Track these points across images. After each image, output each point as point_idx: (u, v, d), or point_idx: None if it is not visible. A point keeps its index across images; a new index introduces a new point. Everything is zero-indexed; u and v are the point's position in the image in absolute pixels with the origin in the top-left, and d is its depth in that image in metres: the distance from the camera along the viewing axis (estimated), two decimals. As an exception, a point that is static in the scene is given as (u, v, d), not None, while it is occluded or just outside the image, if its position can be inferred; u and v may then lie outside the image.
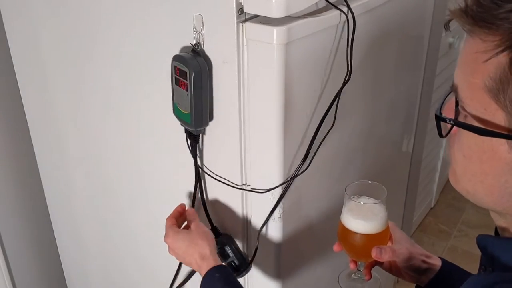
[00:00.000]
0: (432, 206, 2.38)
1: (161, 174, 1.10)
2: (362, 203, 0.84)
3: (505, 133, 0.50)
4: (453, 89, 0.56)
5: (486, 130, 0.51)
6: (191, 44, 0.87)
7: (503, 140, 0.51)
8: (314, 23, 0.86)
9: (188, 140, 0.96)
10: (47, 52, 1.15)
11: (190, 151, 0.96)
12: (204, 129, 0.95)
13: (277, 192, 0.93)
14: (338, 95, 0.93)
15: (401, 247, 0.85)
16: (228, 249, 1.01)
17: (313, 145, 0.94)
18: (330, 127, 0.95)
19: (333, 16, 0.89)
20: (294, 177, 0.93)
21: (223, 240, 1.01)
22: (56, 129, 1.26)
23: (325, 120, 0.96)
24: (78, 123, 1.21)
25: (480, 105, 0.52)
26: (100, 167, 1.23)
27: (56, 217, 1.47)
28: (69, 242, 1.49)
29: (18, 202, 1.50)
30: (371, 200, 0.85)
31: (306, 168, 0.94)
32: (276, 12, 0.78)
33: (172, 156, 1.05)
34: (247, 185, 0.95)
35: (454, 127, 0.57)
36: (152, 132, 1.06)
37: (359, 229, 0.84)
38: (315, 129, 0.97)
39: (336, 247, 0.88)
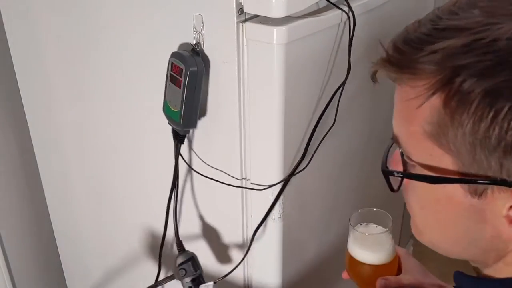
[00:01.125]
0: (432, 206, 2.38)
1: (162, 174, 1.10)
2: (366, 234, 0.81)
3: (457, 177, 0.48)
4: (394, 140, 0.54)
5: (436, 178, 0.49)
6: (191, 44, 0.87)
7: (457, 185, 0.48)
8: (314, 23, 0.86)
9: (174, 141, 0.95)
10: (47, 52, 1.15)
11: (174, 150, 0.95)
12: (204, 129, 0.95)
13: (276, 191, 0.93)
14: (336, 93, 0.93)
15: (410, 277, 0.81)
16: (191, 265, 0.96)
17: (313, 144, 0.94)
18: (330, 126, 0.95)
19: (333, 16, 0.89)
20: (291, 175, 0.92)
21: (187, 256, 0.97)
22: (56, 129, 1.26)
23: (325, 120, 0.96)
24: (78, 123, 1.21)
25: (425, 152, 0.50)
26: (101, 167, 1.23)
27: (56, 217, 1.47)
28: (69, 242, 1.49)
29: (18, 202, 1.49)
30: (378, 229, 0.83)
31: (305, 167, 0.94)
32: (276, 12, 0.78)
33: (170, 157, 1.05)
34: (247, 179, 0.95)
35: (405, 178, 0.54)
36: (152, 132, 1.06)
37: (364, 259, 0.81)
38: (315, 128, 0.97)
39: (344, 275, 0.86)
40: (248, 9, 0.80)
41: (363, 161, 1.23)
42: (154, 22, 0.92)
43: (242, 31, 0.82)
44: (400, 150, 0.53)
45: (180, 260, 0.96)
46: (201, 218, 1.06)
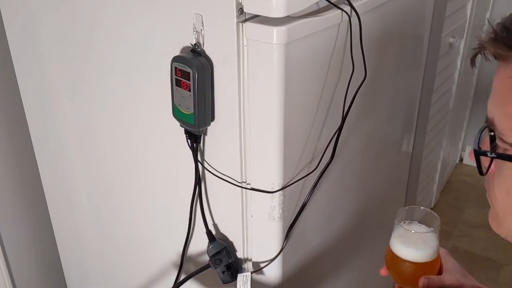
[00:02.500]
0: (432, 206, 2.38)
1: (160, 175, 1.10)
2: (413, 231, 0.81)
3: None
4: (489, 123, 0.54)
5: None
6: (191, 44, 0.87)
7: None
8: (314, 23, 0.86)
9: (189, 140, 0.96)
10: (47, 53, 1.15)
11: (192, 151, 0.96)
12: (206, 130, 0.95)
13: (278, 192, 0.93)
14: (356, 93, 0.93)
15: (451, 278, 0.81)
16: (224, 252, 1.00)
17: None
18: (341, 126, 0.95)
19: (334, 16, 0.89)
20: (305, 176, 0.91)
21: (220, 245, 1.01)
22: (56, 129, 1.26)
23: (329, 119, 0.96)
24: (78, 123, 1.21)
25: None
26: (100, 167, 1.23)
27: (56, 217, 1.47)
28: (69, 242, 1.49)
29: (18, 202, 1.50)
30: (423, 228, 0.83)
31: (315, 168, 0.94)
32: (276, 12, 0.78)
33: (172, 157, 1.05)
34: (247, 183, 0.96)
35: (493, 165, 0.54)
36: (151, 133, 1.06)
37: (407, 257, 0.81)
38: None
39: (383, 271, 0.86)
40: (248, 9, 0.80)
41: (363, 160, 1.23)
42: (154, 22, 0.92)
43: (242, 31, 0.82)
44: (491, 133, 0.53)
45: (213, 250, 1.00)
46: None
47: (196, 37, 0.86)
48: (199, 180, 1.00)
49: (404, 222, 0.83)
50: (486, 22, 2.29)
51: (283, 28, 0.79)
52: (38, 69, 1.20)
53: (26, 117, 1.33)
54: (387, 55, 1.18)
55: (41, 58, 1.17)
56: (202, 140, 0.97)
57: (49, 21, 1.10)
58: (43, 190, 1.44)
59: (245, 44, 0.83)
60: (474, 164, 0.55)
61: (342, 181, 1.16)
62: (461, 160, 2.69)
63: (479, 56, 0.54)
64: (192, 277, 1.06)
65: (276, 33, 0.80)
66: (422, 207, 0.84)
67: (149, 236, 1.22)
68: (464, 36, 2.05)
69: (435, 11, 1.42)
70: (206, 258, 1.07)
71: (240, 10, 0.80)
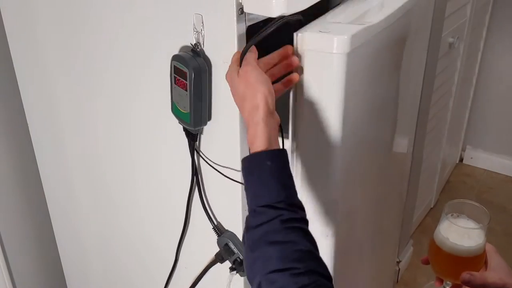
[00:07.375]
0: (432, 206, 2.38)
1: (160, 173, 1.10)
2: (461, 226, 0.79)
3: None
4: None
5: None
6: (191, 44, 0.88)
7: None
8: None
9: (187, 138, 0.96)
10: (47, 52, 1.15)
11: (189, 148, 0.97)
12: (203, 129, 0.95)
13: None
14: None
15: (495, 275, 0.78)
16: (232, 245, 1.01)
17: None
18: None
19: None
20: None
21: (226, 237, 1.02)
22: (56, 129, 1.26)
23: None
24: (78, 123, 1.21)
25: None
26: (100, 166, 1.23)
27: (56, 217, 1.47)
28: (69, 242, 1.49)
29: (18, 202, 1.50)
30: (471, 223, 0.81)
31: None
32: (276, 12, 0.78)
33: (171, 155, 1.05)
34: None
35: None
36: (151, 131, 1.06)
37: (451, 250, 0.79)
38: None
39: (424, 261, 0.85)
40: (248, 9, 0.80)
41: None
42: (154, 22, 0.93)
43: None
44: None
45: (218, 246, 1.02)
46: (201, 216, 1.06)
47: (196, 37, 0.86)
48: (197, 177, 1.00)
49: (452, 215, 0.81)
50: (486, 22, 2.29)
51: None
52: (38, 68, 1.20)
53: (26, 117, 1.33)
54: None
55: (41, 57, 1.17)
56: (202, 139, 0.97)
57: (50, 21, 1.10)
58: (43, 190, 1.44)
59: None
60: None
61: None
62: (461, 160, 2.68)
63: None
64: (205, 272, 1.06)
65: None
66: (473, 202, 0.82)
67: (148, 235, 1.22)
68: (464, 36, 2.05)
69: (435, 11, 1.41)
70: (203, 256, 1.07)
71: (240, 10, 0.80)
